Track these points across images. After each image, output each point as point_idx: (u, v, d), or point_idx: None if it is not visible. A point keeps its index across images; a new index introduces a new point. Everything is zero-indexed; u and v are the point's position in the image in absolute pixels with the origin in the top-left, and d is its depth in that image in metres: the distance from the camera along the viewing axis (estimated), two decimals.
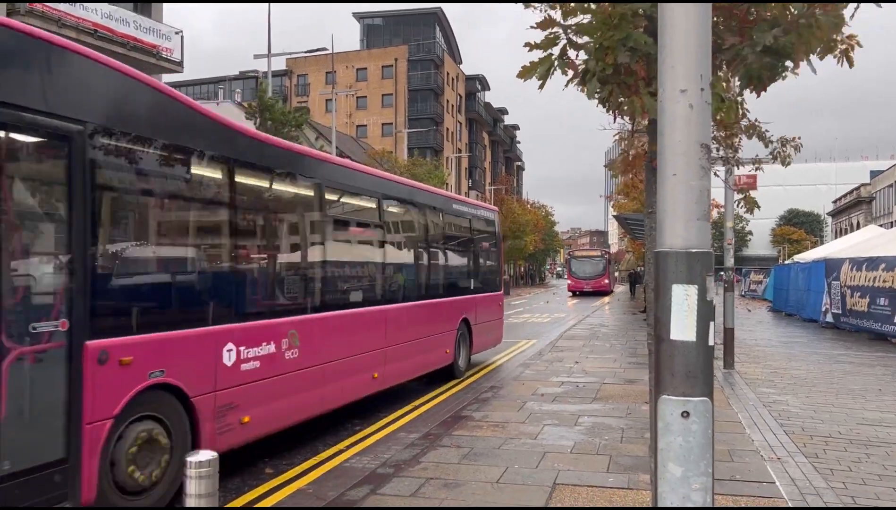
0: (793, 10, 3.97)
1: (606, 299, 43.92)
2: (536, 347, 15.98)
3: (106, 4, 24.78)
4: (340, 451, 7.09)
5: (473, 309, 12.38)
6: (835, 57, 4.82)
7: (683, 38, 2.20)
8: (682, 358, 2.21)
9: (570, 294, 49.83)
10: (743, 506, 5.15)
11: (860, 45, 4.29)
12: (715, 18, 4.38)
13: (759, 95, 4.89)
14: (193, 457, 2.86)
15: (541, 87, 4.77)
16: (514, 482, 5.75)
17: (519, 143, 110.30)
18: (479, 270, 13.26)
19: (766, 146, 8.26)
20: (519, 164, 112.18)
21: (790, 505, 5.15)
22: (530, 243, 68.64)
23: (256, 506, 5.49)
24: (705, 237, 2.23)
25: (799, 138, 9.02)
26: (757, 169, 10.76)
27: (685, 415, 2.19)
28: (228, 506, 5.46)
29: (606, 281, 51.07)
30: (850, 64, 4.89)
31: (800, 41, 3.97)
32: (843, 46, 4.57)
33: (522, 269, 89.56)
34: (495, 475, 5.93)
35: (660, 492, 2.25)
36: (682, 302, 2.20)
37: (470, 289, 12.54)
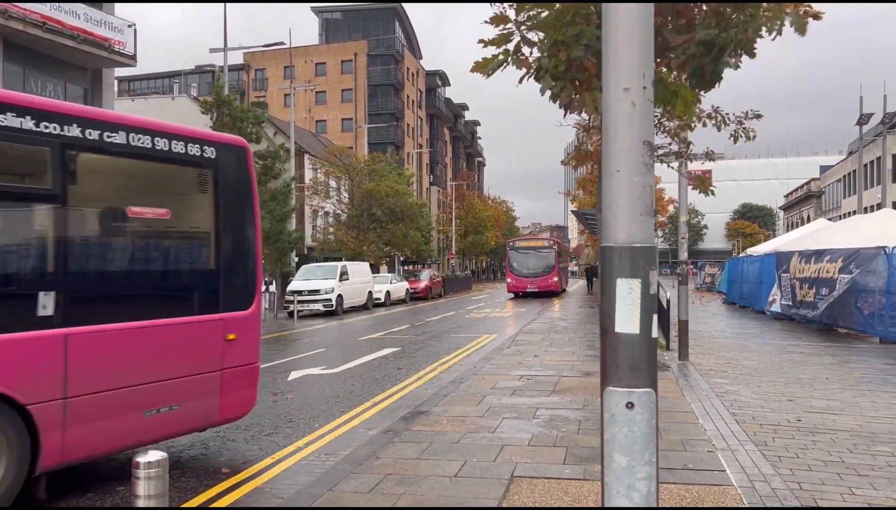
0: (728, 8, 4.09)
1: (557, 300, 36.58)
2: (497, 342, 16.09)
3: None
4: (299, 449, 7.05)
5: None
6: (791, 26, 4.90)
7: (627, 37, 2.25)
8: (626, 350, 2.26)
9: (512, 296, 39.86)
10: (694, 495, 5.27)
11: (817, 17, 4.33)
12: (662, 19, 4.47)
13: (706, 92, 5.01)
14: (143, 458, 2.83)
15: (487, 75, 4.82)
16: (471, 476, 5.79)
17: (480, 138, 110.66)
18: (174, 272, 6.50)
19: (720, 130, 8.43)
20: (480, 159, 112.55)
21: (739, 491, 5.29)
22: (492, 238, 69.07)
23: (211, 506, 5.43)
24: (648, 232, 2.28)
25: (753, 110, 9.23)
26: (710, 160, 10.98)
27: (630, 406, 2.24)
28: (183, 506, 5.39)
29: (556, 278, 39.75)
30: (802, 32, 4.95)
31: (740, 33, 4.10)
32: (796, 17, 4.64)
33: (484, 264, 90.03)
34: (453, 469, 5.97)
35: (606, 481, 2.30)
36: (627, 295, 2.25)
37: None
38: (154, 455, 2.84)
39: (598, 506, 2.09)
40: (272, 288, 27.28)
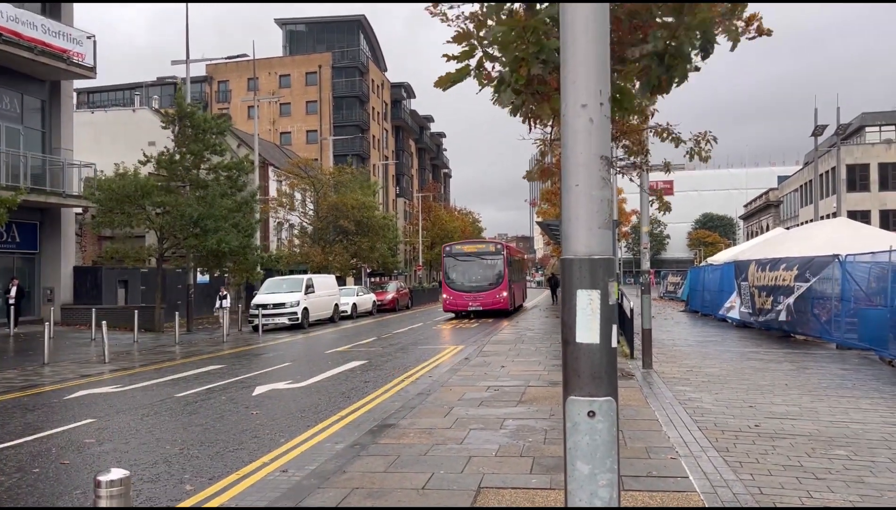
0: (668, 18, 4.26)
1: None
2: (464, 353, 16.12)
3: (10, 6, 23.63)
4: (265, 464, 6.98)
5: None
6: (748, 36, 5.07)
7: (583, 55, 2.31)
8: (587, 359, 2.31)
9: (451, 316, 31.81)
10: (658, 502, 5.35)
11: (765, 32, 4.53)
12: (621, 33, 4.59)
13: (662, 96, 5.16)
14: (105, 477, 2.79)
15: (445, 89, 4.92)
16: (439, 488, 5.80)
17: (445, 150, 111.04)
18: None
19: (677, 146, 8.65)
20: (446, 171, 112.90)
21: (702, 497, 5.39)
22: None
23: (205, 506, 5.35)
24: (607, 244, 2.34)
25: (710, 132, 9.50)
26: (668, 172, 11.21)
27: (591, 414, 2.29)
28: (178, 506, 5.31)
29: (504, 293, 30.80)
30: (761, 33, 5.13)
31: (687, 41, 4.25)
32: (745, 26, 4.82)
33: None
34: (421, 482, 5.97)
35: (569, 489, 2.34)
36: (587, 306, 2.30)
37: None
38: (117, 473, 2.80)
39: None
40: (226, 303, 26.96)
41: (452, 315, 32.04)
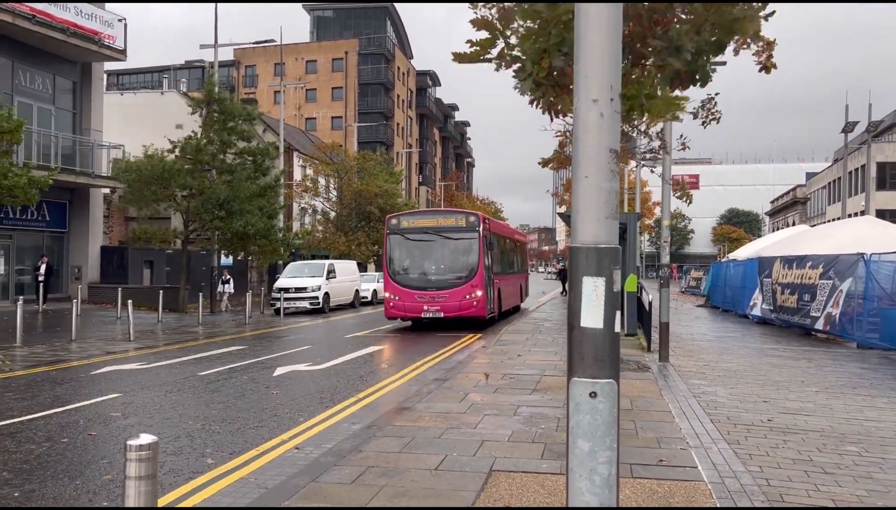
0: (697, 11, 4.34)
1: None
2: (481, 341, 16.26)
3: None
4: (284, 442, 7.18)
5: None
6: (755, 57, 5.18)
7: (597, 52, 2.41)
8: (590, 343, 2.43)
9: (399, 323, 22.04)
10: (666, 489, 5.45)
11: (772, 59, 4.63)
12: (641, 28, 4.67)
13: (682, 90, 5.22)
14: (134, 441, 2.96)
15: (462, 62, 5.04)
16: (451, 469, 5.95)
17: (469, 139, 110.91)
18: None
19: (696, 118, 8.72)
20: (469, 160, 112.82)
21: (709, 486, 5.48)
22: None
23: (179, 506, 5.56)
24: (613, 234, 2.44)
25: (715, 95, 9.58)
26: (684, 148, 11.20)
27: (593, 395, 2.40)
28: (160, 506, 5.52)
29: (478, 293, 20.10)
30: (768, 69, 5.24)
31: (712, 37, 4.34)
32: (761, 49, 4.91)
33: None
34: (434, 463, 6.12)
35: (570, 466, 2.46)
36: (591, 293, 2.42)
37: None
38: (145, 438, 2.97)
39: (565, 496, 2.24)
40: (228, 287, 27.39)
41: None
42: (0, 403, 9.09)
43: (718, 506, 5.08)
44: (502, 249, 24.48)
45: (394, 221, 21.12)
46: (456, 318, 19.73)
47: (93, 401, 9.34)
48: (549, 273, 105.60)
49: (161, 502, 5.18)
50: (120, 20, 27.36)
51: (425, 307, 19.67)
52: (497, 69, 5.30)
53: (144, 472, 2.93)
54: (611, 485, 2.39)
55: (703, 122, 8.98)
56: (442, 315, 19.51)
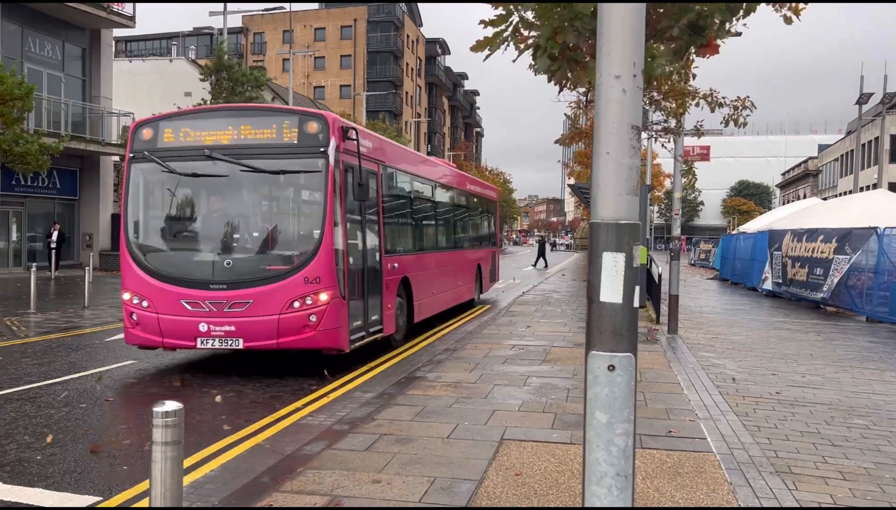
0: None
1: (555, 269, 34.79)
2: (491, 312, 16.35)
3: None
4: (297, 409, 7.30)
5: None
6: (776, 11, 5.14)
7: (619, 28, 2.41)
8: (609, 317, 2.47)
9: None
10: (675, 460, 5.54)
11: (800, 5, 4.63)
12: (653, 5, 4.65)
13: (683, 59, 5.23)
14: (160, 408, 3.04)
15: (486, 57, 5.02)
16: (463, 438, 6.05)
17: (479, 109, 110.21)
18: None
19: (713, 112, 8.64)
20: (478, 130, 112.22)
21: (718, 458, 5.56)
22: None
23: (134, 505, 5.67)
24: (633, 210, 2.47)
25: (749, 98, 9.46)
26: (700, 136, 11.18)
27: (611, 368, 2.45)
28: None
29: (324, 296, 8.50)
30: (790, 21, 5.20)
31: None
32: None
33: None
34: (446, 431, 6.22)
35: (588, 437, 2.52)
36: (612, 268, 2.45)
37: None
38: (171, 404, 3.06)
39: (582, 466, 2.28)
40: None
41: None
42: (18, 369, 9.25)
43: (728, 478, 5.16)
44: (429, 204, 13.70)
45: (144, 133, 9.21)
46: (273, 350, 8.90)
47: (109, 367, 9.49)
48: (561, 245, 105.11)
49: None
50: None
51: (205, 326, 8.63)
52: (519, 54, 5.27)
53: (171, 438, 3.02)
54: (627, 455, 2.45)
55: (726, 120, 8.91)
56: (241, 344, 8.60)
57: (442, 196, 14.67)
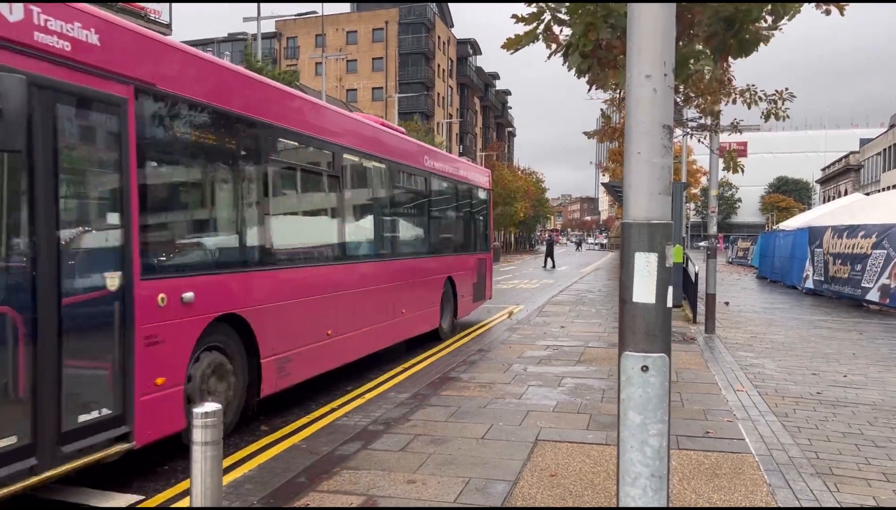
0: None
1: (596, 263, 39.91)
2: (524, 312, 16.31)
3: None
4: (333, 410, 7.38)
5: None
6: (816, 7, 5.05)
7: (650, 28, 2.41)
8: (642, 318, 2.46)
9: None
10: (713, 461, 5.47)
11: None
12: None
13: (724, 61, 5.15)
14: (200, 409, 3.11)
15: (513, 51, 5.03)
16: (497, 438, 6.06)
17: (510, 108, 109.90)
18: None
19: (749, 108, 8.49)
20: (510, 130, 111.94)
21: (756, 459, 5.48)
22: (521, 210, 69.03)
23: (242, 469, 5.77)
24: (665, 210, 2.46)
25: (788, 89, 9.27)
26: (737, 131, 11.00)
27: (644, 369, 2.44)
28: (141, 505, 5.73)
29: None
30: (828, 13, 5.11)
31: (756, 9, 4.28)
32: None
33: (514, 236, 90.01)
34: (480, 432, 6.24)
35: (622, 437, 2.51)
36: (644, 268, 2.44)
37: None
38: (210, 406, 3.13)
39: (616, 466, 2.27)
40: None
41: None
42: None
43: (767, 480, 5.08)
44: (319, 183, 8.60)
45: None
46: None
47: None
48: (593, 244, 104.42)
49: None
50: None
51: None
52: (550, 54, 5.27)
53: (210, 438, 3.09)
54: (662, 456, 2.44)
55: (766, 114, 8.72)
56: None
57: (360, 173, 9.39)
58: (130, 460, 5.71)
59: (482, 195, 14.95)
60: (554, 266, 39.06)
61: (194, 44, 72.29)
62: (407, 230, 11.08)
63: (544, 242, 46.28)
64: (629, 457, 2.46)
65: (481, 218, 14.89)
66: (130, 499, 4.97)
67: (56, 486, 5.07)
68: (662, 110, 2.42)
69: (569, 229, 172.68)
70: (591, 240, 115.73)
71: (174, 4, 28.47)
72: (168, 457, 5.83)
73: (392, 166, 10.17)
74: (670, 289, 2.49)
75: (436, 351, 11.16)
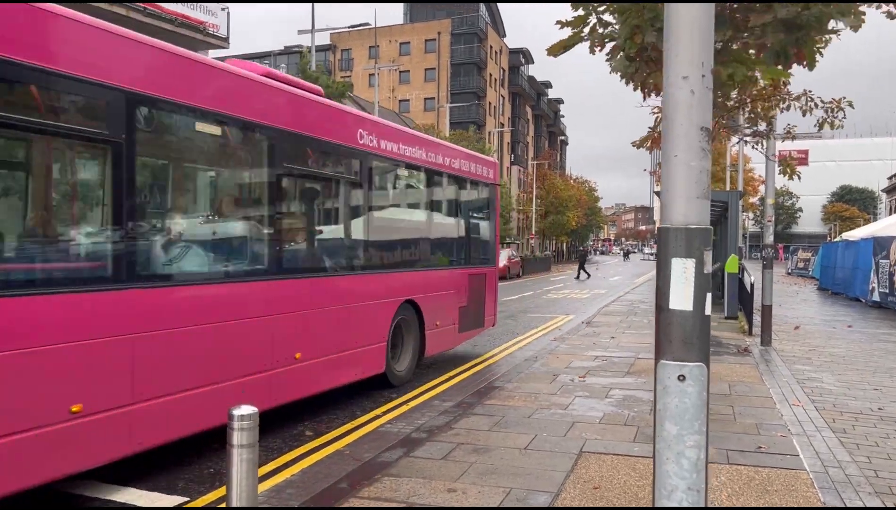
0: None
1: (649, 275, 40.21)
2: (573, 323, 16.11)
3: None
4: (377, 416, 7.40)
5: None
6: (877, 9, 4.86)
7: (687, 28, 2.34)
8: (678, 326, 2.39)
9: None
10: (764, 477, 5.28)
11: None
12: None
13: (788, 68, 4.95)
14: (236, 411, 3.15)
15: (556, 55, 4.99)
16: (541, 449, 5.97)
17: (563, 117, 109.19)
18: None
19: (804, 116, 8.22)
20: (563, 138, 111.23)
21: (811, 476, 5.26)
22: (573, 219, 68.39)
23: (284, 474, 5.81)
24: (704, 214, 2.38)
25: (845, 98, 8.95)
26: (791, 138, 10.68)
27: (681, 378, 2.37)
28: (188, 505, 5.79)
29: None
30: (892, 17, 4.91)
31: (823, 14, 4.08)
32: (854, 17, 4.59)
33: (565, 246, 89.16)
34: (524, 442, 6.16)
35: (657, 448, 2.44)
36: (681, 274, 2.37)
37: None
38: (247, 409, 3.16)
39: (652, 479, 2.22)
40: None
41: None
42: None
43: (823, 502, 4.88)
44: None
45: None
46: None
47: None
48: (649, 255, 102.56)
49: (261, 471, 5.47)
50: (223, 9, 28.47)
51: None
52: (591, 51, 5.21)
53: (246, 441, 3.12)
54: (699, 469, 2.36)
55: (820, 123, 8.44)
56: None
57: (196, 141, 6.28)
58: (178, 462, 5.82)
59: (482, 192, 11.83)
60: (588, 276, 38.64)
61: (252, 58, 74.19)
62: (309, 235, 7.68)
63: (579, 254, 46.38)
64: (665, 469, 2.39)
65: (480, 221, 11.78)
66: (177, 500, 5.06)
67: (102, 486, 5.21)
68: (700, 112, 2.35)
69: (622, 239, 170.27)
70: (646, 250, 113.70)
71: (232, 19, 29.19)
72: (218, 461, 5.93)
73: (277, 138, 6.71)
74: (709, 296, 2.40)
75: (485, 358, 11.09)
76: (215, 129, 6.19)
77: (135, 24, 25.01)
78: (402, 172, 9.56)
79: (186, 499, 5.08)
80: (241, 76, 6.37)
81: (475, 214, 11.65)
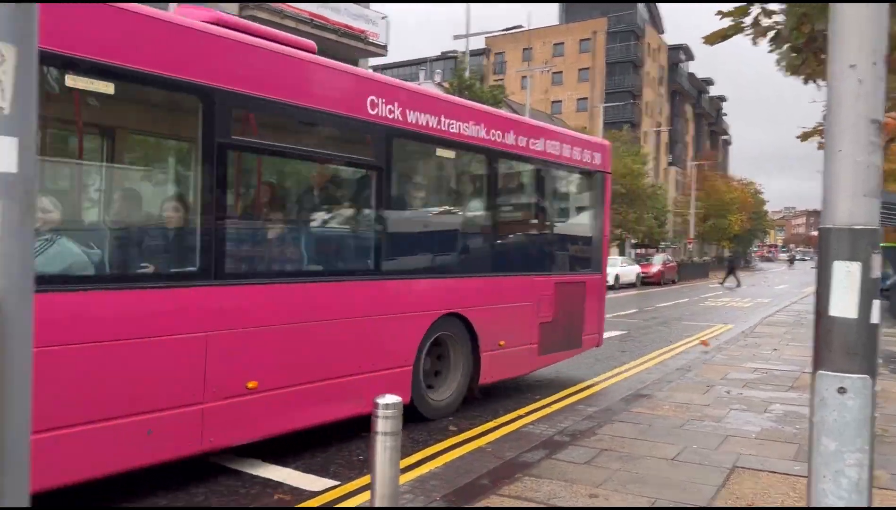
0: None
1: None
2: (732, 332, 15.26)
3: None
4: (520, 417, 7.42)
5: None
6: None
7: (855, 11, 2.16)
8: (840, 334, 2.21)
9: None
10: None
11: None
12: None
13: None
14: (381, 400, 3.30)
15: (713, 44, 4.79)
16: (690, 461, 5.72)
17: (726, 115, 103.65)
18: None
19: None
20: (725, 137, 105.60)
21: None
22: (735, 223, 64.59)
23: (428, 466, 5.96)
24: (872, 214, 2.19)
25: None
26: None
27: (841, 391, 2.19)
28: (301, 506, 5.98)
29: None
30: None
31: None
32: None
33: (726, 251, 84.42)
34: (671, 453, 5.92)
35: (813, 465, 2.27)
36: (844, 278, 2.19)
37: None
38: (391, 398, 3.31)
39: (806, 497, 2.04)
40: None
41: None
42: None
43: None
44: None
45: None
46: None
47: None
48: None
49: (403, 463, 5.66)
50: (383, 18, 29.71)
51: None
52: (754, 42, 4.95)
53: (390, 429, 3.26)
54: (860, 490, 2.16)
55: None
56: None
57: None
58: (330, 450, 6.16)
59: (581, 181, 9.83)
60: (738, 283, 35.97)
61: (409, 64, 76.77)
62: (312, 233, 6.49)
63: (728, 260, 43.50)
64: (821, 487, 2.22)
65: (576, 218, 10.02)
66: (328, 482, 5.36)
67: (266, 466, 5.62)
68: (868, 103, 2.16)
69: (791, 245, 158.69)
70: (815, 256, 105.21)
71: (391, 26, 30.38)
72: (365, 450, 6.21)
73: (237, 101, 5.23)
74: (877, 303, 2.21)
75: (634, 365, 10.77)
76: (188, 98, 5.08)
77: (302, 35, 26.74)
78: (445, 153, 7.49)
79: (337, 482, 5.36)
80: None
81: (569, 209, 9.91)
